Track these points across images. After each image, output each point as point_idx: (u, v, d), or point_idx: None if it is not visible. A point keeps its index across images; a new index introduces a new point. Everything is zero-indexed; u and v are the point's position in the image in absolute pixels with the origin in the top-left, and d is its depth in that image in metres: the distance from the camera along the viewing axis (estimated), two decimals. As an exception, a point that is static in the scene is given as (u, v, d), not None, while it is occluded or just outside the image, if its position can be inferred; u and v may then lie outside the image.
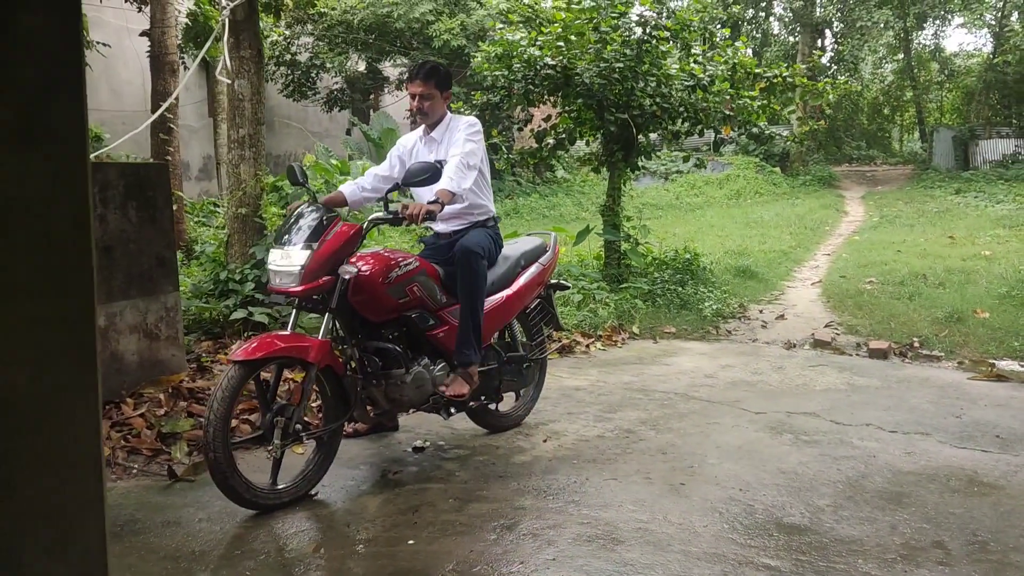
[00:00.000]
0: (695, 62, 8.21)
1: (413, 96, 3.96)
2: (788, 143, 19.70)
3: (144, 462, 3.86)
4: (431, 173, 3.58)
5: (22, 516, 1.13)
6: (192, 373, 4.98)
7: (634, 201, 12.96)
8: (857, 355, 6.25)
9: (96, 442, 1.15)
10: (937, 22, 31.74)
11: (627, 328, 6.98)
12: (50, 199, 1.10)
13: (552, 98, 8.30)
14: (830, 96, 9.39)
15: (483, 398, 4.21)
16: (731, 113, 8.34)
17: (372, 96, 21.03)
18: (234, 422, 3.73)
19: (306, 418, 3.70)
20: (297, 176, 3.74)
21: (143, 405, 4.36)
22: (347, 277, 3.47)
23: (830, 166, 27.69)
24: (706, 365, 5.91)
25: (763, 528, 3.14)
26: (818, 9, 27.93)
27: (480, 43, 10.11)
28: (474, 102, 8.69)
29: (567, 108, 8.31)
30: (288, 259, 3.42)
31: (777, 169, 24.62)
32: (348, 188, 4.16)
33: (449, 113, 4.07)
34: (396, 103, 19.48)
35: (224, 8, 6.04)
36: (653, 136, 9.23)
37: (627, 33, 7.81)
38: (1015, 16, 27.38)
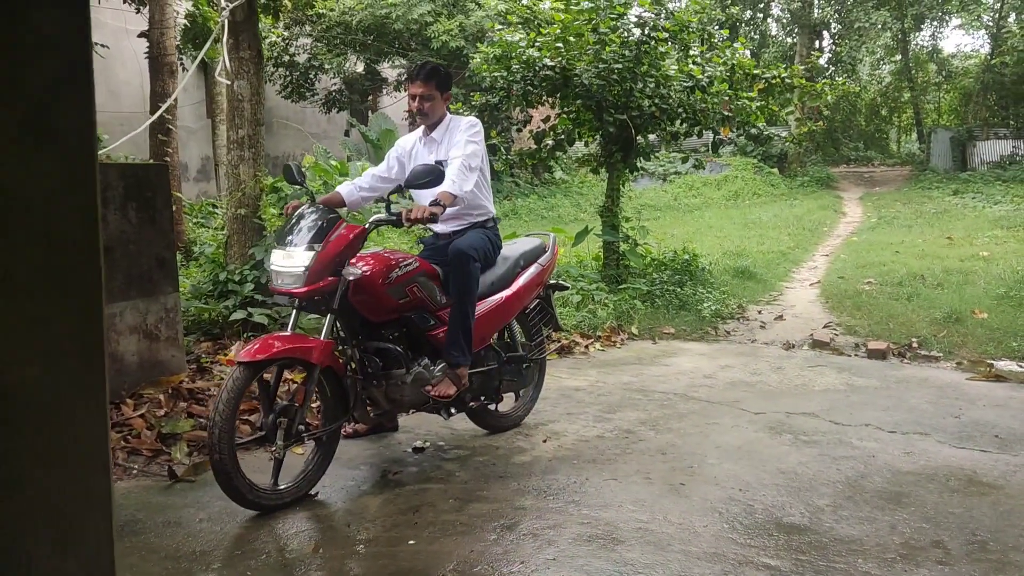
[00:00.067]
0: (694, 63, 8.22)
1: (413, 97, 3.96)
2: (786, 144, 19.74)
3: (144, 463, 3.86)
4: (434, 176, 3.58)
5: (29, 513, 1.13)
6: (192, 374, 4.99)
7: (632, 202, 12.95)
8: (856, 355, 6.26)
9: (103, 440, 1.15)
10: (935, 23, 31.80)
11: (626, 329, 6.99)
12: (59, 197, 1.10)
13: (551, 99, 8.31)
14: (828, 97, 9.42)
15: (483, 398, 4.22)
16: (730, 114, 8.35)
17: (370, 97, 21.03)
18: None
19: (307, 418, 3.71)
20: (294, 175, 3.74)
21: (143, 406, 4.36)
22: (352, 279, 3.47)
23: (828, 167, 27.71)
24: (705, 365, 5.92)
25: (763, 528, 3.15)
26: (816, 10, 27.98)
27: (479, 44, 10.11)
28: (473, 103, 8.71)
29: (566, 109, 8.32)
30: (291, 260, 3.42)
31: (775, 170, 24.64)
32: (345, 188, 4.16)
33: (449, 114, 4.08)
34: (394, 104, 19.48)
35: (224, 9, 6.04)
36: (652, 137, 9.24)
37: (626, 34, 7.82)
38: (1012, 17, 27.43)
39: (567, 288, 5.14)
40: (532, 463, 3.90)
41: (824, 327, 7.19)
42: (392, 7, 16.61)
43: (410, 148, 4.15)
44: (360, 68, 19.75)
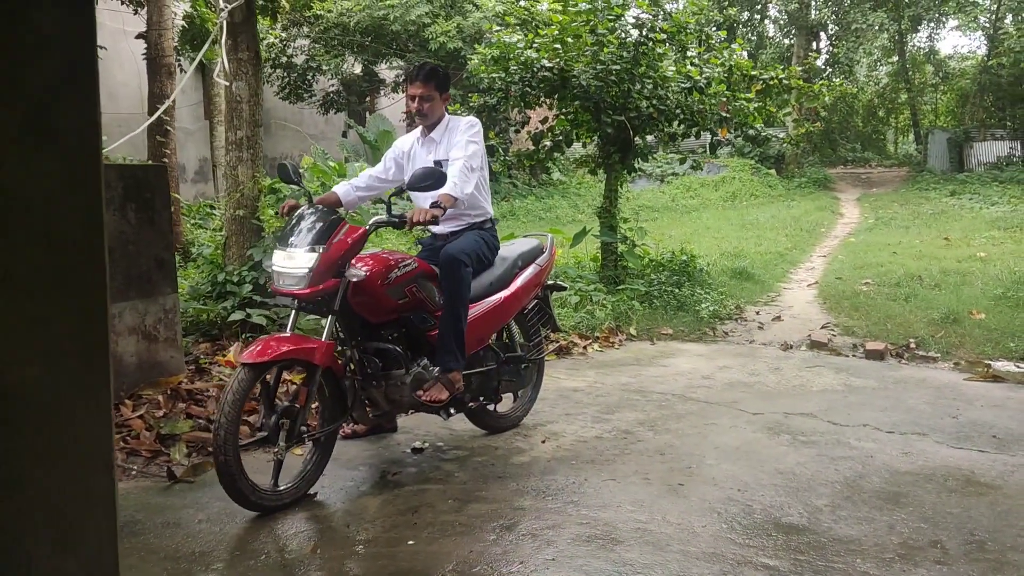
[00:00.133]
0: (691, 64, 8.24)
1: (412, 97, 3.96)
2: (784, 145, 19.78)
3: (143, 463, 3.86)
4: (435, 179, 3.58)
5: (29, 513, 1.14)
6: (191, 375, 4.98)
7: (630, 203, 12.98)
8: (854, 356, 6.27)
9: (106, 440, 1.15)
10: (932, 25, 31.88)
11: (624, 329, 6.99)
12: (59, 197, 1.10)
13: (549, 100, 8.31)
14: (825, 98, 9.43)
15: (481, 399, 4.22)
16: (727, 115, 8.36)
17: (368, 98, 21.02)
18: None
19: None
20: (290, 174, 3.73)
21: (142, 407, 4.36)
22: (355, 280, 3.47)
23: (825, 168, 27.75)
24: (703, 366, 5.92)
25: (761, 528, 3.15)
26: (813, 12, 28.03)
27: (477, 45, 10.11)
28: (471, 104, 8.70)
29: (564, 110, 8.33)
30: (294, 261, 3.41)
31: (773, 171, 24.67)
32: (342, 188, 4.16)
33: (447, 114, 4.08)
34: (392, 105, 19.47)
35: (222, 10, 6.04)
36: (649, 138, 9.25)
37: (623, 35, 7.83)
38: (1009, 19, 27.47)
39: (565, 289, 5.14)
40: (531, 464, 3.90)
41: (822, 328, 7.20)
42: (390, 8, 16.61)
43: (408, 149, 4.15)
44: (358, 69, 19.75)
